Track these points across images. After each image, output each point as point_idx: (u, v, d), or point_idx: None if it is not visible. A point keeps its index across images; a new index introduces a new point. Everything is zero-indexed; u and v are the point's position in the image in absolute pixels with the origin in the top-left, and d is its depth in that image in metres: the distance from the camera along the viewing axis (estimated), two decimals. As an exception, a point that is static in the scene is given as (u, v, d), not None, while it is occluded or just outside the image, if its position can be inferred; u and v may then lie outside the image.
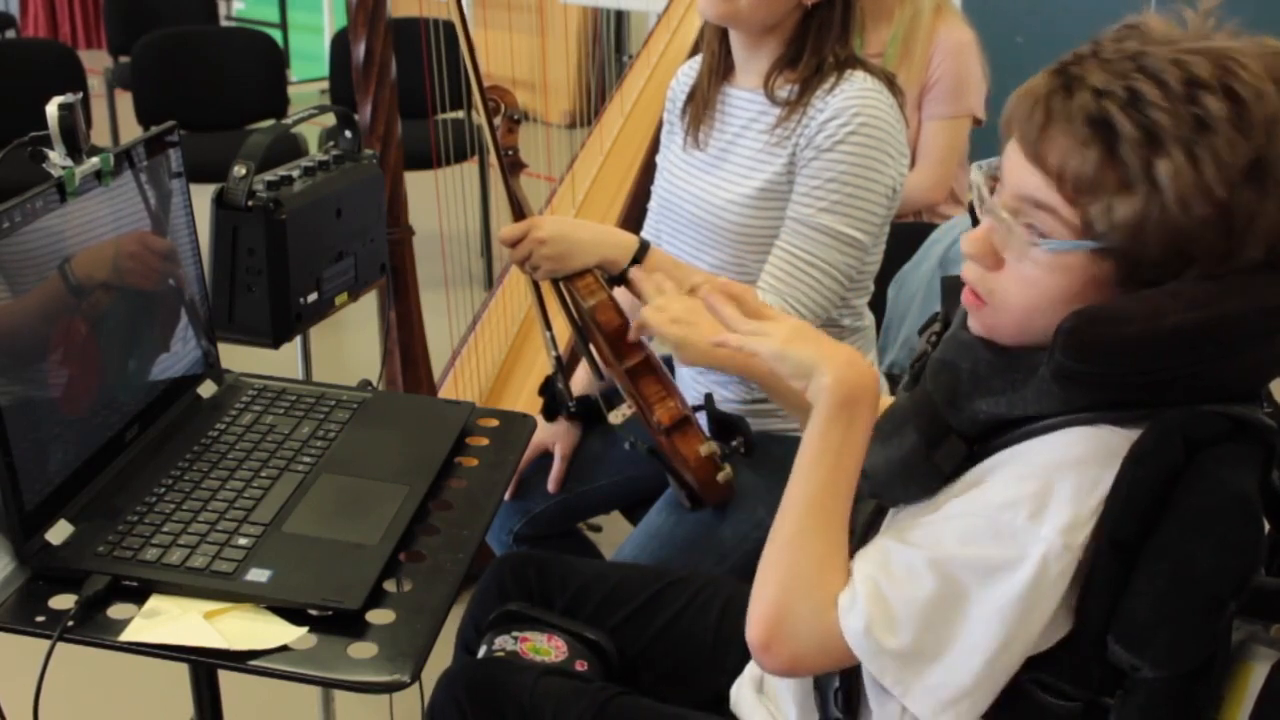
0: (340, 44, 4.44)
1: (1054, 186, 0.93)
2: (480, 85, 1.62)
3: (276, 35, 5.55)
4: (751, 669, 1.30)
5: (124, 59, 4.86)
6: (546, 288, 1.73)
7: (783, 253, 1.61)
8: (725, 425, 1.62)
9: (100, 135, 3.68)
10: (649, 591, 1.46)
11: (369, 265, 1.64)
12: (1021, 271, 0.97)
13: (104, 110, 4.87)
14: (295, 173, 1.50)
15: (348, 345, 3.77)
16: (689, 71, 1.82)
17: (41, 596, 1.10)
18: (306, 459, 1.33)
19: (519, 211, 1.63)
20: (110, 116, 4.90)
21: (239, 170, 1.43)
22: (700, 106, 1.74)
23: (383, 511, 1.24)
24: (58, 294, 1.19)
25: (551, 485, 1.88)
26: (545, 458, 1.90)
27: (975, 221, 1.04)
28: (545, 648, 1.38)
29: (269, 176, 1.46)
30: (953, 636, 0.96)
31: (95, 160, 1.22)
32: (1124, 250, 0.92)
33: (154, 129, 1.36)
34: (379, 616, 1.11)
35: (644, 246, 1.61)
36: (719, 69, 1.73)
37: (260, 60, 4.35)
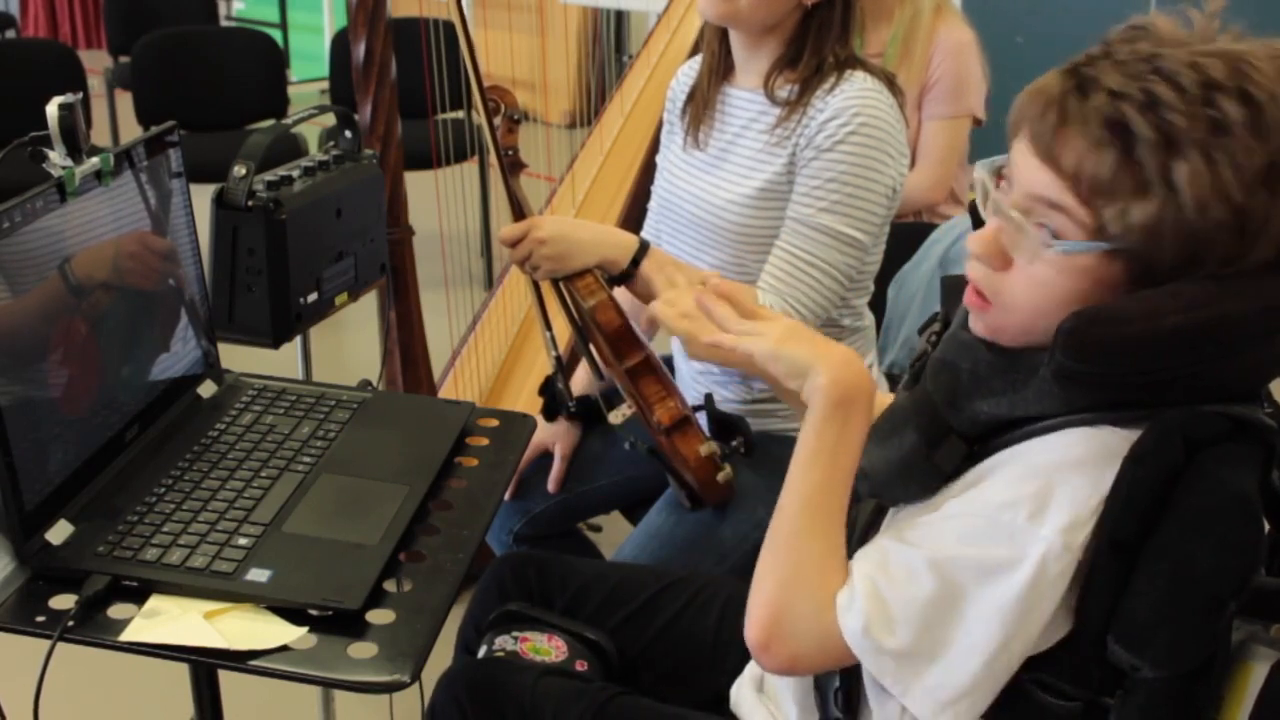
0: (340, 44, 4.44)
1: (1068, 187, 0.92)
2: (480, 85, 1.62)
3: (276, 35, 5.55)
4: (752, 669, 1.30)
5: (124, 59, 4.86)
6: (546, 288, 1.72)
7: (783, 253, 1.61)
8: (725, 425, 1.62)
9: (100, 135, 3.68)
10: (649, 591, 1.46)
11: (369, 265, 1.64)
12: (1032, 273, 0.96)
13: (104, 110, 4.87)
14: (295, 173, 1.50)
15: (348, 345, 3.77)
16: (689, 71, 1.82)
17: (41, 596, 1.10)
18: (306, 459, 1.33)
19: (519, 211, 1.62)
20: (110, 116, 4.90)
21: (239, 170, 1.43)
22: (700, 106, 1.74)
23: (383, 511, 1.24)
24: (58, 294, 1.19)
25: (551, 485, 1.88)
26: (545, 458, 1.90)
27: (976, 221, 1.04)
28: (545, 648, 1.38)
29: (269, 176, 1.46)
30: (951, 637, 0.96)
31: (95, 160, 1.22)
32: (1138, 253, 0.91)
33: (154, 129, 1.36)
34: (379, 616, 1.11)
35: (644, 246, 1.61)
36: (719, 69, 1.73)
37: (260, 60, 4.35)
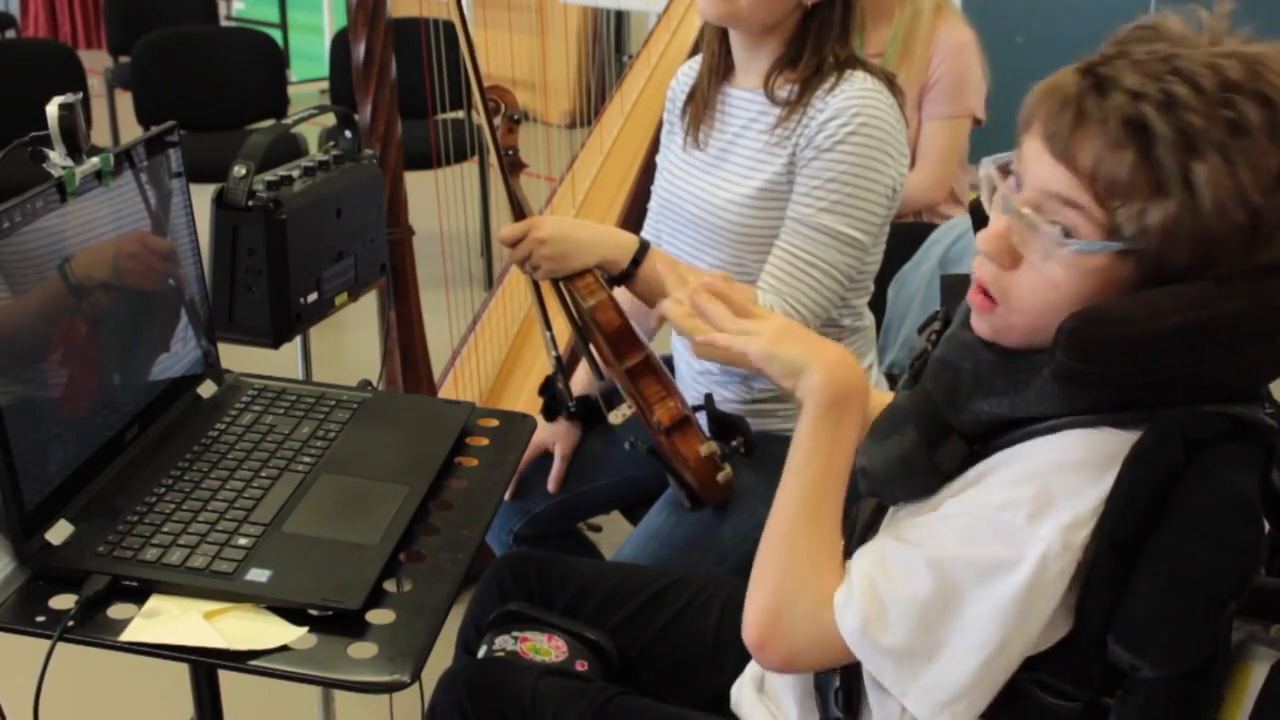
0: (340, 44, 4.44)
1: (1084, 186, 0.92)
2: (480, 85, 1.62)
3: (276, 35, 5.55)
4: (753, 668, 1.30)
5: (124, 59, 4.86)
6: (546, 288, 1.72)
7: (783, 253, 1.61)
8: (725, 425, 1.62)
9: (100, 135, 3.68)
10: (649, 592, 1.46)
11: (369, 265, 1.64)
12: (1044, 272, 0.95)
13: (104, 110, 4.87)
14: (295, 173, 1.50)
15: (348, 345, 3.77)
16: (689, 71, 1.82)
17: (41, 596, 1.10)
18: (306, 459, 1.33)
19: (519, 211, 1.63)
20: (110, 116, 4.90)
21: (239, 170, 1.43)
22: (700, 106, 1.74)
23: (383, 511, 1.24)
24: (58, 294, 1.19)
25: (551, 485, 1.88)
26: (545, 458, 1.90)
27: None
28: (545, 648, 1.38)
29: (269, 176, 1.46)
30: (950, 636, 0.96)
31: (95, 160, 1.22)
32: (1153, 254, 0.91)
33: (154, 129, 1.36)
34: (379, 616, 1.11)
35: (644, 246, 1.62)
36: (719, 69, 1.73)
37: (260, 60, 4.35)
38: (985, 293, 1.00)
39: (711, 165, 1.72)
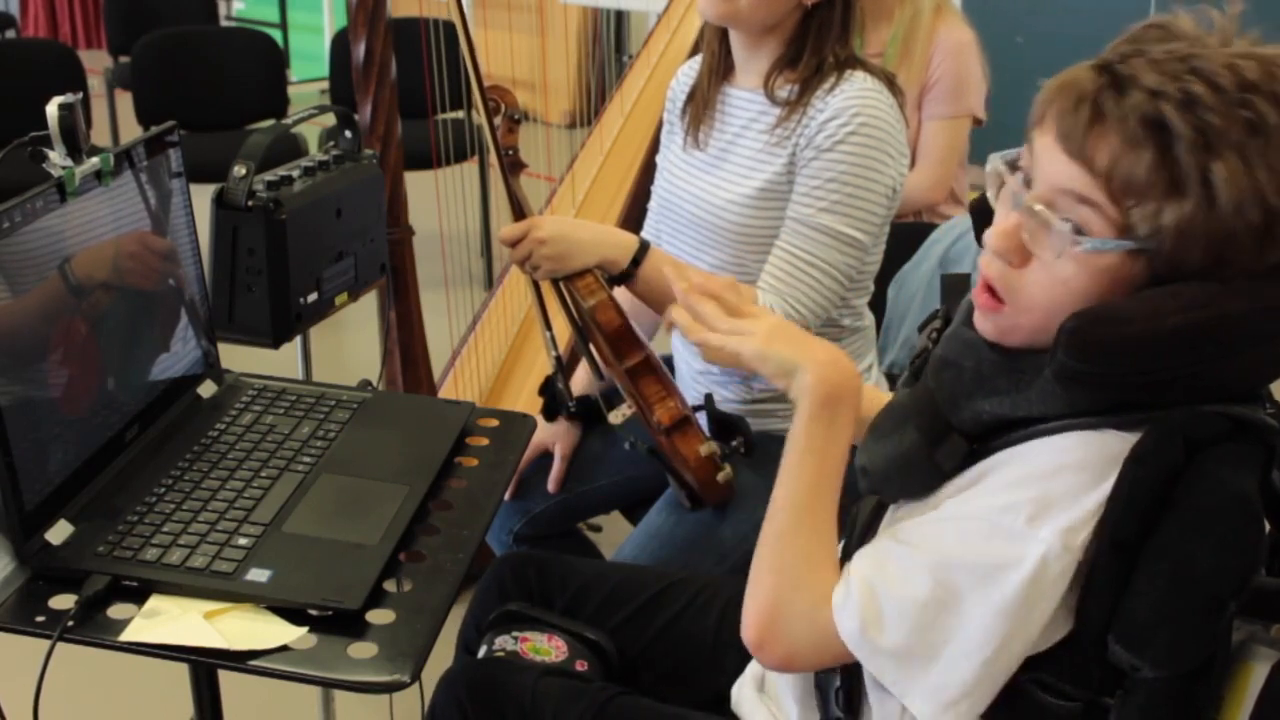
0: (340, 44, 4.44)
1: (1099, 184, 0.91)
2: (480, 85, 1.62)
3: (276, 35, 5.55)
4: (753, 668, 1.30)
5: (124, 59, 4.86)
6: (546, 288, 1.72)
7: (783, 253, 1.61)
8: (725, 425, 1.62)
9: (100, 135, 3.68)
10: (649, 592, 1.46)
11: (369, 265, 1.64)
12: (1055, 270, 0.95)
13: (104, 110, 4.87)
14: (295, 173, 1.50)
15: (348, 345, 3.77)
16: (689, 71, 1.82)
17: (41, 596, 1.10)
18: (306, 459, 1.33)
19: (519, 211, 1.63)
20: (110, 116, 4.90)
21: (239, 170, 1.43)
22: (700, 106, 1.74)
23: (383, 511, 1.24)
24: (58, 294, 1.19)
25: (551, 485, 1.88)
26: (545, 458, 1.90)
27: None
28: (545, 648, 1.38)
29: (269, 176, 1.46)
30: (949, 637, 0.96)
31: (95, 160, 1.22)
32: (1166, 254, 0.91)
33: (154, 129, 1.36)
34: (379, 616, 1.11)
35: (644, 246, 1.62)
36: (719, 69, 1.73)
37: (260, 60, 4.35)
38: (992, 292, 1.00)
39: (711, 165, 1.72)
